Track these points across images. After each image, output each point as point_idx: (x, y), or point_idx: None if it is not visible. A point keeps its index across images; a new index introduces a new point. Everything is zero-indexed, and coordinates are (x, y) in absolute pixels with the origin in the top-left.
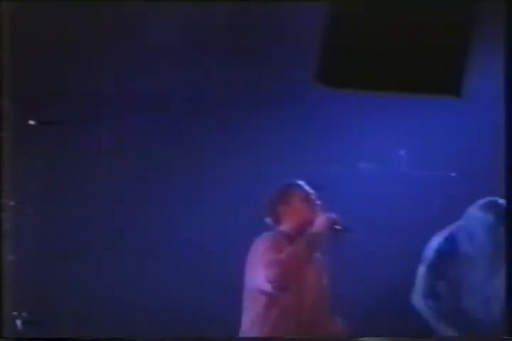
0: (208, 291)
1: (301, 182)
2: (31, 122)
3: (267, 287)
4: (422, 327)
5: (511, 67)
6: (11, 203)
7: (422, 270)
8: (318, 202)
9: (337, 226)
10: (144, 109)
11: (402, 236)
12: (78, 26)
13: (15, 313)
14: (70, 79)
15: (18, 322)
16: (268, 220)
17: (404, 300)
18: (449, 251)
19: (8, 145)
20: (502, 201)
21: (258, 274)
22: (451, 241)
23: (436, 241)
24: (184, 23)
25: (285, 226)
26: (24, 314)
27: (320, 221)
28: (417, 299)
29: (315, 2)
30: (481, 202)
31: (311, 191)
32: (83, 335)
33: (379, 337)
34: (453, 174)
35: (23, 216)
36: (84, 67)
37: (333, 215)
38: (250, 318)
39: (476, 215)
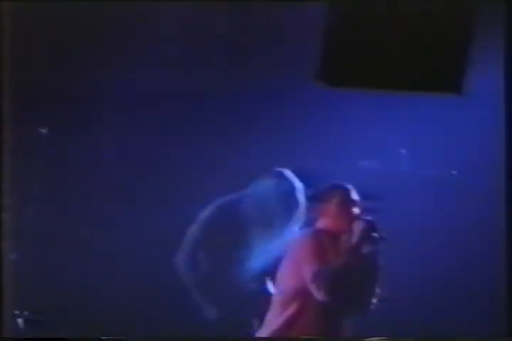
0: (211, 293)
1: (348, 185)
2: (33, 123)
3: (318, 296)
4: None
5: (511, 67)
6: (11, 203)
7: (191, 230)
8: (359, 206)
9: (374, 234)
10: (144, 109)
11: (402, 235)
12: (78, 26)
13: (16, 312)
14: (70, 79)
15: (20, 321)
16: (309, 216)
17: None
18: (225, 215)
19: (8, 146)
20: (289, 173)
21: (303, 277)
22: (230, 207)
23: (215, 205)
24: (184, 22)
25: (324, 224)
26: (25, 313)
27: (358, 227)
28: (180, 258)
29: (315, 2)
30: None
31: (355, 194)
32: (83, 335)
33: (379, 337)
34: (453, 173)
35: (23, 216)
36: (85, 67)
37: (373, 223)
38: (284, 317)
39: (265, 184)
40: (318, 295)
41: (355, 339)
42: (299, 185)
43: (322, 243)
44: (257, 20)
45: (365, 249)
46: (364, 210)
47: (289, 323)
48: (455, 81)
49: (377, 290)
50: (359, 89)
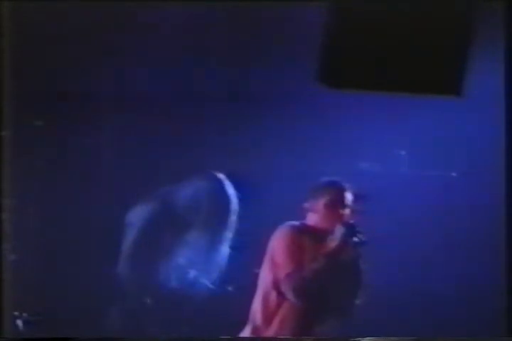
0: (216, 292)
1: (344, 184)
2: (33, 122)
3: (289, 296)
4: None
5: (511, 67)
6: (12, 203)
7: (128, 235)
8: (350, 208)
9: (355, 239)
10: (144, 109)
11: (402, 236)
12: (78, 26)
13: (16, 313)
14: (70, 79)
15: (19, 322)
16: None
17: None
18: (158, 217)
19: (8, 145)
20: (222, 176)
21: (277, 276)
22: (163, 207)
23: (145, 206)
24: (184, 22)
25: (311, 220)
26: (25, 314)
27: (338, 231)
28: (123, 265)
29: (315, 2)
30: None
31: (348, 194)
32: (83, 335)
33: (379, 337)
34: (453, 175)
35: (23, 216)
36: (85, 67)
37: (355, 227)
38: (264, 311)
39: (200, 184)
40: (289, 296)
41: (349, 339)
42: (231, 190)
43: (302, 241)
44: (257, 20)
45: (345, 254)
46: (356, 212)
47: (269, 318)
48: (455, 82)
49: (359, 295)
50: (358, 91)
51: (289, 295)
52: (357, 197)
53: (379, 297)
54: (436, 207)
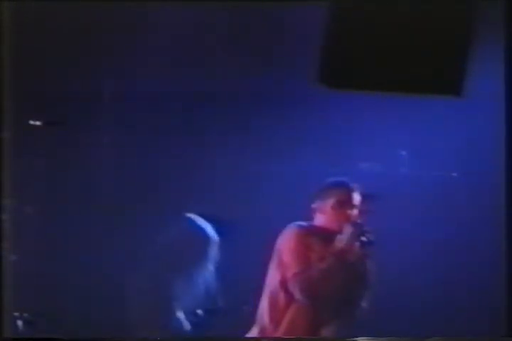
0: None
1: (350, 183)
2: (31, 122)
3: (296, 296)
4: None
5: (511, 67)
6: (11, 203)
7: None
8: (358, 208)
9: (363, 239)
10: (144, 109)
11: (402, 237)
12: (78, 26)
13: (16, 314)
14: (70, 79)
15: (19, 322)
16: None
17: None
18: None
19: (8, 145)
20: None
21: (284, 276)
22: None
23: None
24: (184, 22)
25: (319, 222)
26: (25, 314)
27: (346, 231)
28: None
29: (315, 2)
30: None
31: (356, 194)
32: (83, 335)
33: (379, 337)
34: (453, 175)
35: (23, 216)
36: (84, 67)
37: (363, 227)
38: (271, 311)
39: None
40: (297, 296)
41: (347, 339)
42: (210, 231)
43: (310, 241)
44: (257, 20)
45: (352, 254)
46: (363, 212)
47: (277, 318)
48: (455, 82)
49: (366, 294)
50: (358, 91)
51: (297, 294)
52: (364, 197)
53: (379, 297)
54: (437, 207)
